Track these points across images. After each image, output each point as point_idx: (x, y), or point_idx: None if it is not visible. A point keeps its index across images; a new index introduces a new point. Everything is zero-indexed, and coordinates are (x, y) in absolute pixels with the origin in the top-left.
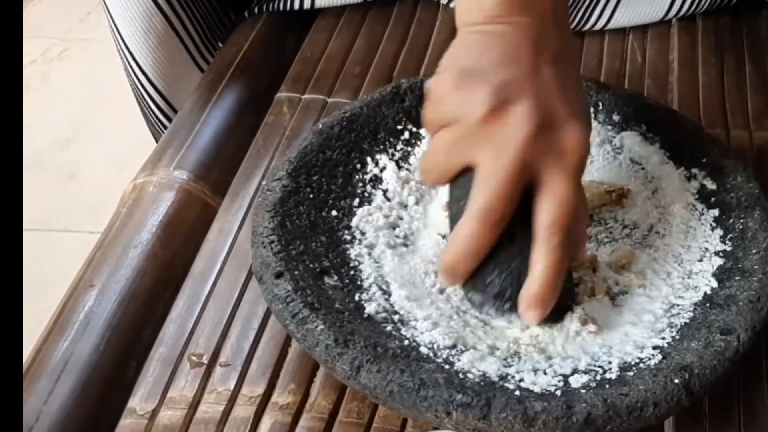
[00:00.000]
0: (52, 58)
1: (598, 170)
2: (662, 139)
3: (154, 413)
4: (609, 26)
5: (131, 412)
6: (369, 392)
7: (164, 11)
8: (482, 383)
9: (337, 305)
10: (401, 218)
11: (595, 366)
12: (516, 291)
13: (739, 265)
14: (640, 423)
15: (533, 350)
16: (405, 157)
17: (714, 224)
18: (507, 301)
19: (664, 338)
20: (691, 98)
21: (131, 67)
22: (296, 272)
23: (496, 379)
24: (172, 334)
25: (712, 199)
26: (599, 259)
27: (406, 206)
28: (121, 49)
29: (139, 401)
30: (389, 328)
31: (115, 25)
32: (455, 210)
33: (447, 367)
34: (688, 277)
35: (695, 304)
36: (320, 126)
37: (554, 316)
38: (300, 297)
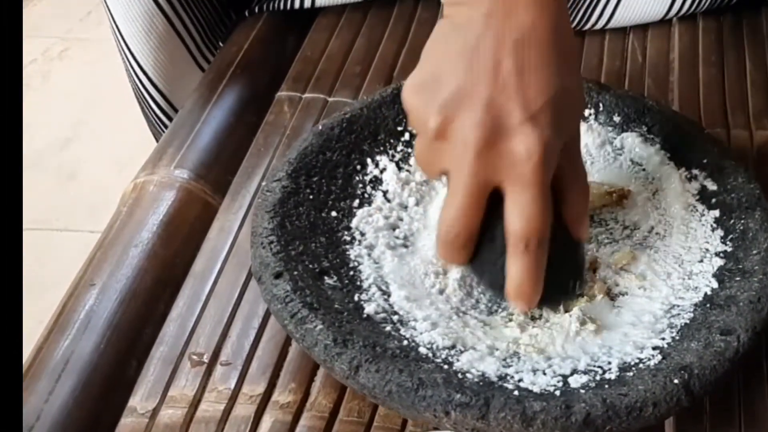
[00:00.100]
0: (53, 57)
1: (598, 171)
2: (663, 140)
3: (155, 412)
4: (609, 25)
5: (132, 411)
6: (368, 392)
7: (165, 12)
8: (481, 383)
9: (336, 305)
10: (401, 219)
11: (594, 366)
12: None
13: (740, 266)
14: (640, 423)
15: (532, 350)
16: (405, 159)
17: (714, 225)
18: (501, 289)
19: (663, 339)
20: (691, 97)
21: (132, 67)
22: (295, 272)
23: (495, 379)
24: (173, 333)
25: (713, 200)
26: (599, 259)
27: (406, 207)
28: (122, 50)
29: (139, 400)
30: (388, 328)
31: (117, 26)
32: None
33: (446, 367)
34: (689, 278)
35: (695, 304)
36: (320, 127)
37: (554, 297)
38: (299, 297)
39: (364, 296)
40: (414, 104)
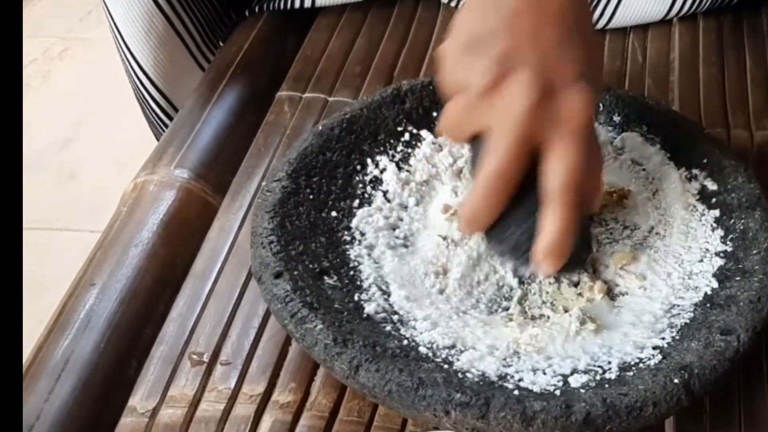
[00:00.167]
0: (53, 57)
1: None
2: (663, 140)
3: (155, 412)
4: (610, 25)
5: (132, 410)
6: (368, 391)
7: (165, 12)
8: (481, 383)
9: (336, 305)
10: (401, 219)
11: (594, 366)
12: (531, 245)
13: (740, 266)
14: (640, 423)
15: (532, 350)
16: (405, 159)
17: (715, 225)
18: (525, 252)
19: (664, 338)
20: (691, 97)
21: (132, 67)
22: (295, 272)
23: (495, 378)
24: (173, 332)
25: (713, 200)
26: (599, 259)
27: (406, 207)
28: (122, 50)
29: (139, 400)
30: (388, 328)
31: (116, 26)
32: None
33: (446, 366)
34: (689, 278)
35: (695, 304)
36: (320, 127)
37: (568, 266)
38: (299, 297)
39: (364, 296)
40: (459, 61)
